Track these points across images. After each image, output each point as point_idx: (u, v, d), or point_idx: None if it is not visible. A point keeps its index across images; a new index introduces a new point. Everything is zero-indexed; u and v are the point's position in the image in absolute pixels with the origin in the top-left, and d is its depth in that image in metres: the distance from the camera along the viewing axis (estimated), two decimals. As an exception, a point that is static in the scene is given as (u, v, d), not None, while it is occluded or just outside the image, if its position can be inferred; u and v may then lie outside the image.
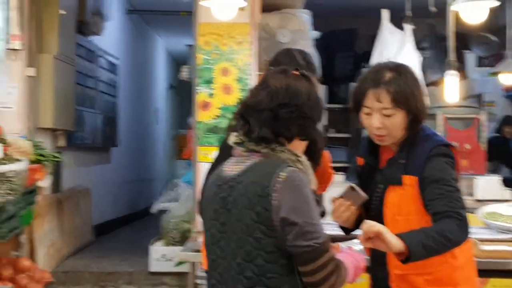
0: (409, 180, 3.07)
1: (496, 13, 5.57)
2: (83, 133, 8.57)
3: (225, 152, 2.99)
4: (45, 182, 6.10)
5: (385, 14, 6.73)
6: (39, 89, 6.77)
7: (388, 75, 3.05)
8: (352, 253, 2.83)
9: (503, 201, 6.01)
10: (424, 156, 3.06)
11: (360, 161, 3.39)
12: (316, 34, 7.72)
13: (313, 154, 2.96)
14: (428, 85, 7.54)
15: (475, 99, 10.44)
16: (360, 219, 3.23)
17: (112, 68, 10.08)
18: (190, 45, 7.47)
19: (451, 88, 5.78)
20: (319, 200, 2.81)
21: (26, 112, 6.53)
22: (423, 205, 3.05)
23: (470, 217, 5.22)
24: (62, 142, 7.61)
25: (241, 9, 6.39)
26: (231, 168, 2.76)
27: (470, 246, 3.25)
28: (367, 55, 7.41)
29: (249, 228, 2.59)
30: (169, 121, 16.68)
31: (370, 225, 2.82)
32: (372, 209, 3.25)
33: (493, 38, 10.39)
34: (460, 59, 8.70)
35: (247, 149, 2.71)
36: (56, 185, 7.60)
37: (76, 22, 7.89)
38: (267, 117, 2.67)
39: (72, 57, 7.47)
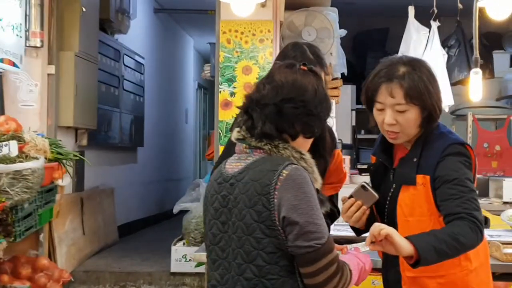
0: (422, 180, 2.95)
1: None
2: (107, 132, 8.53)
3: (230, 149, 2.91)
4: (64, 181, 6.06)
5: (411, 11, 6.62)
6: (59, 87, 6.73)
7: (402, 69, 2.94)
8: (358, 254, 2.73)
9: (531, 203, 5.87)
10: (438, 155, 2.94)
11: (373, 159, 3.28)
12: (343, 32, 7.62)
13: (321, 152, 2.86)
14: (454, 84, 7.41)
15: (509, 100, 10.26)
16: (372, 220, 3.12)
17: (138, 67, 10.02)
18: (212, 43, 7.38)
19: (476, 87, 5.61)
20: (323, 199, 2.70)
21: (46, 110, 6.51)
22: (436, 206, 2.93)
23: (494, 219, 5.15)
24: (84, 141, 7.56)
25: (263, 5, 6.37)
26: (232, 165, 2.67)
27: (486, 249, 3.11)
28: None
29: (249, 227, 2.50)
30: (199, 120, 16.64)
31: (378, 227, 2.71)
32: (385, 210, 3.13)
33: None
34: (490, 58, 8.51)
35: (249, 145, 2.62)
36: (79, 184, 7.56)
37: (100, 20, 7.83)
38: (271, 112, 2.57)
39: (94, 55, 7.41)
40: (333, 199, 3.74)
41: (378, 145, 3.23)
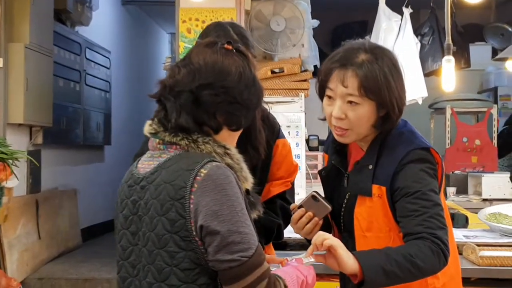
0: (378, 191, 2.56)
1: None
2: (67, 130, 8.07)
3: (145, 146, 2.49)
4: (11, 182, 5.67)
5: (381, -3, 6.20)
6: (8, 81, 6.31)
7: (361, 56, 2.52)
8: (299, 266, 2.31)
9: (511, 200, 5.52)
10: (396, 163, 2.53)
11: (326, 158, 2.88)
12: (315, 23, 7.25)
13: (253, 143, 2.47)
14: (428, 74, 7.01)
15: (490, 93, 9.97)
16: (329, 229, 2.76)
17: (104, 61, 9.57)
18: (173, 33, 6.97)
19: (448, 76, 5.17)
20: (254, 202, 2.29)
21: (-6, 106, 6.11)
22: (395, 221, 2.55)
23: (473, 217, 4.78)
24: (39, 139, 7.11)
25: None
26: (144, 164, 2.26)
27: (456, 259, 2.72)
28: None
29: (161, 239, 2.09)
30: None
31: (322, 236, 2.33)
32: (341, 219, 2.74)
33: (510, 28, 9.85)
34: (466, 46, 8.15)
35: (162, 140, 2.21)
36: (34, 185, 7.12)
37: (56, 11, 7.40)
38: (187, 100, 2.17)
39: (48, 47, 6.96)
40: (285, 196, 3.33)
41: (330, 143, 2.83)
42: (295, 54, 6.57)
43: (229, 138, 2.25)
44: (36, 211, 7.06)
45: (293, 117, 6.16)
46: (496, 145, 7.73)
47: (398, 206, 2.50)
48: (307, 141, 7.00)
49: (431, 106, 8.29)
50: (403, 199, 2.48)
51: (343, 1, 11.19)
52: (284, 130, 6.02)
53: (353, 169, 2.68)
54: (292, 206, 2.74)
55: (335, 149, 2.75)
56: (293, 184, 3.39)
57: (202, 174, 2.07)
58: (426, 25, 7.16)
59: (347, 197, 2.67)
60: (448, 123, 7.85)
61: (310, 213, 2.68)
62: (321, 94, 2.64)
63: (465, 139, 7.59)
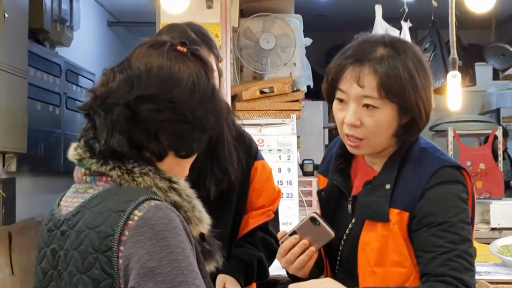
0: (398, 217, 2.10)
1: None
2: (45, 156, 7.57)
3: None
4: (-23, 214, 5.20)
5: (378, 10, 5.79)
6: (-25, 104, 5.81)
7: (380, 51, 2.10)
8: None
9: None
10: (423, 182, 2.10)
11: (322, 181, 2.40)
12: (307, 41, 6.92)
13: (221, 165, 2.00)
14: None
15: (492, 114, 9.60)
16: (320, 267, 2.33)
17: (87, 84, 9.09)
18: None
19: (454, 93, 4.68)
20: (211, 250, 1.82)
21: (-41, 132, 5.64)
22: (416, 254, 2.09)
23: (481, 248, 4.34)
24: (12, 166, 6.63)
25: (209, 7, 5.65)
26: (67, 202, 1.81)
27: None
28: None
29: None
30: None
31: None
32: (338, 254, 2.26)
33: (511, 48, 9.52)
34: (471, 62, 7.73)
35: (89, 170, 1.72)
36: (8, 216, 6.63)
37: (32, 30, 6.93)
38: (120, 116, 1.70)
39: (22, 68, 6.49)
40: (267, 227, 2.85)
41: (329, 161, 2.35)
42: (286, 74, 6.17)
43: (177, 167, 1.78)
44: (9, 244, 6.56)
45: (284, 140, 5.70)
46: (502, 169, 7.28)
47: (418, 236, 2.09)
48: (301, 165, 6.59)
49: (432, 128, 7.86)
50: (426, 230, 2.06)
51: (336, 20, 10.92)
52: (274, 154, 5.43)
53: (363, 190, 2.21)
54: (280, 233, 2.26)
55: (339, 167, 2.29)
56: (276, 213, 2.91)
57: (135, 218, 1.60)
58: (427, 40, 6.73)
59: (350, 226, 2.22)
60: (450, 146, 7.40)
61: (305, 241, 2.22)
62: (330, 97, 2.20)
63: (469, 163, 7.13)
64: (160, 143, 1.73)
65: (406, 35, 5.72)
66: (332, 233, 2.24)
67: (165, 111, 1.71)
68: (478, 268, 3.81)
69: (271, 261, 2.88)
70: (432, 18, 6.54)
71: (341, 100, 2.14)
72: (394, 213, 2.11)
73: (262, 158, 2.89)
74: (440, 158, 2.17)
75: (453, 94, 4.71)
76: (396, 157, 2.18)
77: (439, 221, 2.06)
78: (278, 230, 2.86)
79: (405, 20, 5.81)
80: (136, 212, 1.61)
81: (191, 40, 2.55)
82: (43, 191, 7.81)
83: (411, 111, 2.11)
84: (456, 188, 2.11)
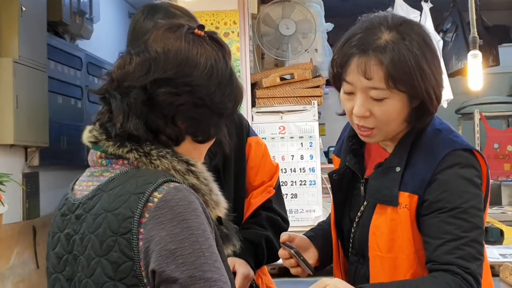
0: (408, 200, 2.04)
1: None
2: (68, 150, 7.55)
3: None
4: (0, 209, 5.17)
5: (399, -10, 5.70)
6: (-5, 99, 5.80)
7: (384, 36, 2.04)
8: None
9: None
10: (433, 165, 2.03)
11: (337, 162, 2.34)
12: (329, 26, 6.86)
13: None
14: (453, 74, 6.46)
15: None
16: (326, 255, 2.31)
17: (110, 77, 9.11)
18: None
19: (475, 73, 4.56)
20: (228, 234, 1.78)
21: (-21, 127, 5.64)
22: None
23: (508, 231, 4.26)
24: (35, 160, 6.62)
25: None
26: (82, 186, 1.79)
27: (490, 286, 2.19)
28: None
29: None
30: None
31: (323, 284, 1.89)
32: (350, 236, 2.22)
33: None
34: (493, 42, 7.59)
35: (105, 153, 1.67)
36: (32, 211, 6.63)
37: (51, 23, 6.92)
38: (137, 99, 1.67)
39: (41, 61, 6.47)
40: (271, 205, 2.77)
41: (343, 142, 2.31)
42: (308, 60, 6.09)
43: (195, 151, 1.74)
44: (34, 238, 6.56)
45: (306, 127, 5.63)
46: (530, 151, 7.17)
47: (427, 222, 2.02)
48: (326, 153, 6.53)
49: (458, 111, 7.75)
50: (435, 215, 2.00)
51: (362, 6, 10.78)
52: (296, 141, 5.33)
53: (373, 173, 2.17)
54: (283, 237, 2.22)
55: (351, 148, 2.26)
56: (277, 189, 2.84)
57: (155, 200, 1.58)
58: (448, 20, 6.61)
59: (362, 208, 2.18)
60: (477, 128, 7.30)
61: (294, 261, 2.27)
62: (338, 86, 2.15)
63: (496, 145, 7.02)
64: (177, 127, 1.71)
65: (427, 16, 5.63)
66: (309, 271, 2.28)
67: (183, 95, 1.68)
68: (503, 251, 3.77)
69: (279, 238, 2.82)
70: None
71: (348, 92, 2.09)
72: (404, 196, 2.05)
73: (255, 134, 2.83)
74: (453, 140, 2.10)
75: (474, 74, 4.60)
76: (408, 139, 2.12)
77: (449, 206, 1.99)
78: (283, 207, 2.82)
79: (426, 1, 5.70)
80: (155, 194, 1.58)
81: (176, 16, 2.50)
82: (67, 185, 7.76)
83: (421, 96, 2.05)
84: (469, 172, 2.03)
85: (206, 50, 1.74)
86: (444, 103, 5.71)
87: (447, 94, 5.59)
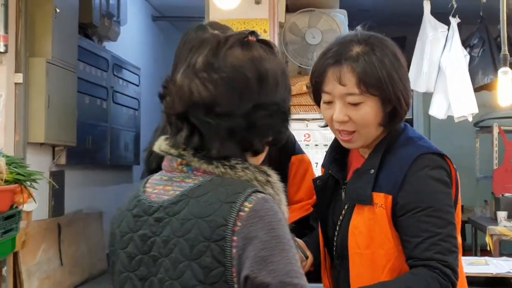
0: (382, 200, 2.17)
1: None
2: (93, 149, 7.69)
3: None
4: (28, 206, 5.28)
5: (427, 5, 5.77)
6: (29, 98, 5.94)
7: (356, 49, 2.20)
8: None
9: None
10: (405, 167, 2.17)
11: (323, 172, 2.48)
12: None
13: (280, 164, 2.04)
14: (478, 89, 6.53)
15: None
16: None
17: (133, 78, 9.22)
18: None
19: (505, 89, 4.67)
20: (296, 246, 1.86)
21: (13, 125, 5.76)
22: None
23: None
24: (62, 159, 6.75)
25: (257, 2, 5.64)
26: (158, 189, 1.78)
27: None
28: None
29: None
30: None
31: None
32: (334, 239, 2.34)
33: None
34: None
35: (185, 161, 1.73)
36: (57, 209, 6.76)
37: (81, 25, 7.05)
38: (240, 127, 1.70)
39: (72, 62, 6.61)
40: (308, 223, 2.80)
41: (328, 153, 2.45)
42: (333, 69, 6.15)
43: (259, 159, 1.82)
44: (58, 235, 6.69)
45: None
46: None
47: (404, 222, 2.15)
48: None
49: (476, 124, 7.81)
50: (411, 215, 2.13)
51: (379, 16, 10.88)
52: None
53: (352, 177, 2.31)
54: None
55: (334, 157, 2.39)
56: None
57: (246, 209, 1.62)
58: (475, 36, 6.69)
59: (343, 212, 2.29)
60: (495, 142, 7.36)
61: None
62: (317, 99, 2.29)
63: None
64: (263, 141, 1.76)
65: (454, 31, 5.71)
66: (304, 258, 2.39)
67: (274, 115, 1.72)
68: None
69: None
70: (481, 13, 6.49)
71: (327, 102, 2.23)
72: (380, 196, 2.18)
73: (300, 151, 2.89)
74: (423, 145, 2.23)
75: (503, 90, 4.69)
76: (382, 144, 2.26)
77: (423, 206, 2.12)
78: (317, 224, 2.90)
79: (454, 16, 5.79)
80: (246, 203, 1.62)
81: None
82: (91, 184, 7.94)
83: (392, 101, 2.20)
84: (438, 173, 2.17)
85: (272, 59, 1.75)
86: (469, 117, 5.80)
87: (472, 108, 5.67)
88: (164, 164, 1.79)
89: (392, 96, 2.17)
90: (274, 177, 1.76)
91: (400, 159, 2.19)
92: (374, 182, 2.20)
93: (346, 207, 2.28)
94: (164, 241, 1.68)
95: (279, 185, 1.76)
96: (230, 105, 1.66)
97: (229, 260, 1.58)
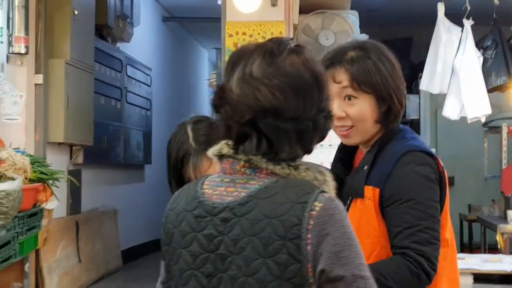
0: (371, 192, 2.32)
1: None
2: (108, 149, 7.81)
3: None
4: (50, 204, 5.40)
5: (441, 7, 5.87)
6: (48, 99, 6.06)
7: (351, 53, 2.38)
8: None
9: None
10: (392, 162, 2.31)
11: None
12: (364, 37, 6.94)
13: None
14: (491, 90, 6.62)
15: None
16: None
17: (145, 79, 9.34)
18: (218, 49, 6.70)
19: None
20: None
21: (33, 125, 5.88)
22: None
23: None
24: (79, 158, 6.87)
25: (274, 4, 5.75)
26: (219, 190, 1.84)
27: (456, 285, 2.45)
28: (423, 64, 6.69)
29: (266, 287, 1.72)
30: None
31: None
32: None
33: None
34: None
35: (249, 163, 1.81)
36: (74, 207, 6.88)
37: (97, 26, 7.16)
38: (307, 129, 1.80)
39: (89, 63, 6.73)
40: None
41: (335, 154, 2.58)
42: (346, 70, 6.26)
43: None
44: (76, 233, 6.81)
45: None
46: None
47: (389, 212, 2.29)
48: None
49: (485, 125, 7.90)
50: (395, 207, 2.27)
51: (386, 16, 10.98)
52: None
53: (351, 174, 2.46)
54: None
55: (340, 158, 2.52)
56: None
57: (316, 209, 1.72)
58: (488, 38, 6.78)
59: (345, 207, 2.41)
60: (504, 142, 7.45)
61: None
62: None
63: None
64: (317, 141, 1.85)
65: (468, 33, 5.81)
66: None
67: (328, 116, 1.83)
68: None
69: None
70: (494, 15, 6.57)
71: None
72: (369, 189, 2.32)
73: None
74: (412, 143, 2.36)
75: (518, 93, 4.83)
76: (376, 144, 2.39)
77: (405, 198, 2.25)
78: None
79: (467, 18, 5.88)
80: (316, 203, 1.72)
81: None
82: (105, 183, 8.05)
83: (386, 100, 2.35)
84: (423, 169, 2.29)
85: (316, 61, 1.85)
86: (482, 118, 5.89)
87: (486, 109, 5.76)
88: (224, 166, 1.87)
89: (385, 94, 2.32)
90: (329, 176, 1.86)
91: (389, 155, 2.33)
92: (366, 177, 2.34)
93: (348, 202, 2.40)
94: (233, 240, 1.76)
95: (333, 184, 1.87)
96: (297, 109, 1.77)
97: (305, 256, 1.69)
